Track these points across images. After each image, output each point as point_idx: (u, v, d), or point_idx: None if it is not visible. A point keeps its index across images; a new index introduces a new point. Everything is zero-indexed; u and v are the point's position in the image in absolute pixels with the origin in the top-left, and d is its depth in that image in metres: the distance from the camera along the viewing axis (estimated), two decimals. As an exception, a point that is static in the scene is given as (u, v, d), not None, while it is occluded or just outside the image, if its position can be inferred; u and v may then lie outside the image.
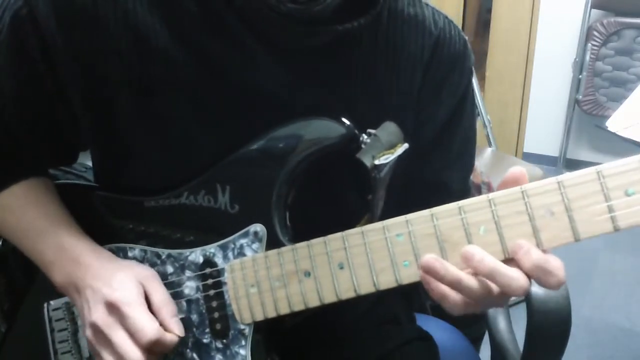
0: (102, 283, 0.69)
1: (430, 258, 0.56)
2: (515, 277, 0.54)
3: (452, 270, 0.56)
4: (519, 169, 0.56)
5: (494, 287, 0.55)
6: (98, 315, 0.68)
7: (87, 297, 0.70)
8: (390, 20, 0.73)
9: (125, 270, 0.71)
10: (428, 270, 0.56)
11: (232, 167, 0.70)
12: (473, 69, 0.80)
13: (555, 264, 0.54)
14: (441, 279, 0.56)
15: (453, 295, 0.56)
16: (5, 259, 0.86)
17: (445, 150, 0.80)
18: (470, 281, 0.55)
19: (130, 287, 0.69)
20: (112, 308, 0.67)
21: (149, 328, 0.66)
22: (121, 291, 0.68)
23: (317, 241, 0.65)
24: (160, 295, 0.70)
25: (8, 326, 0.85)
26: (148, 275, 0.71)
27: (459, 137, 0.81)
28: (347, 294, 0.63)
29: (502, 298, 0.57)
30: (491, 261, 0.55)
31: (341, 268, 0.63)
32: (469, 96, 0.80)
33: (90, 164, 0.82)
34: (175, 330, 0.69)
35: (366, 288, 0.62)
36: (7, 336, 0.85)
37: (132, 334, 0.67)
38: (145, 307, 0.68)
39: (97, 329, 0.68)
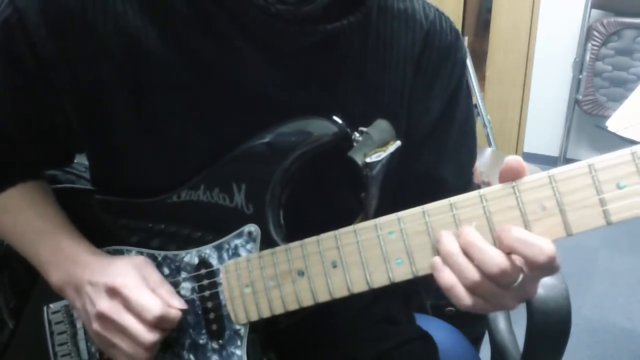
0: (100, 275, 0.70)
1: (444, 232, 0.58)
2: (492, 255, 0.54)
3: (451, 245, 0.56)
4: (515, 158, 0.55)
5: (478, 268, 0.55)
6: (103, 304, 0.69)
7: (89, 293, 0.70)
8: (380, 16, 0.73)
9: (121, 260, 0.73)
10: (436, 240, 0.58)
11: (223, 170, 0.70)
12: (468, 61, 0.80)
13: (539, 239, 0.53)
14: (440, 248, 0.57)
15: (447, 272, 0.57)
16: (8, 258, 0.86)
17: (440, 143, 0.79)
18: (462, 259, 0.56)
19: (128, 271, 0.70)
20: (114, 293, 0.68)
21: (152, 305, 0.68)
22: (120, 277, 0.69)
23: (310, 240, 0.64)
24: (155, 277, 0.72)
25: (16, 323, 0.85)
26: (142, 261, 0.73)
27: (454, 129, 0.80)
28: (341, 292, 0.63)
29: (501, 290, 0.56)
30: (474, 235, 0.56)
31: (334, 267, 0.63)
32: (463, 88, 0.79)
33: (90, 164, 0.83)
34: (177, 305, 0.70)
35: (359, 286, 0.62)
36: (14, 334, 0.85)
37: (137, 315, 0.68)
38: (145, 287, 0.69)
39: (104, 318, 0.69)
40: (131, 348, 0.68)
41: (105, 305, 0.69)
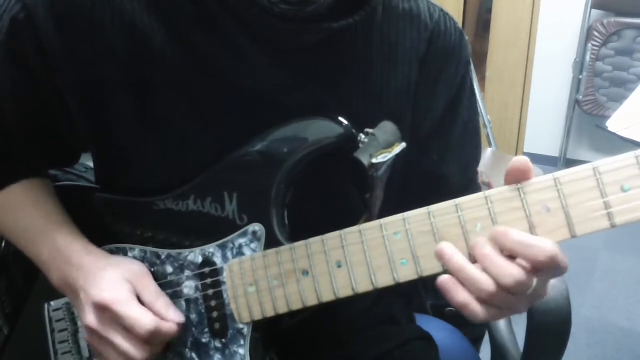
0: (90, 285, 0.69)
1: (444, 243, 0.57)
2: (507, 267, 0.54)
3: (458, 257, 0.56)
4: (522, 158, 0.55)
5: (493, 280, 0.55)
6: (90, 318, 0.68)
7: (81, 300, 0.70)
8: (385, 16, 0.73)
9: (113, 269, 0.71)
10: (439, 255, 0.57)
11: (230, 171, 0.70)
12: (471, 60, 0.79)
13: (538, 239, 0.53)
14: (446, 262, 0.57)
15: (461, 290, 0.56)
16: (5, 262, 0.86)
17: (442, 142, 0.80)
18: (473, 272, 0.55)
19: (118, 285, 0.69)
20: (103, 309, 0.68)
21: (143, 320, 0.67)
22: (109, 291, 0.68)
23: (315, 240, 0.65)
24: (151, 290, 0.71)
25: (10, 329, 0.85)
26: (137, 272, 0.72)
27: (457, 128, 0.80)
28: (345, 292, 0.63)
29: (516, 298, 0.56)
30: (461, 258, 0.56)
31: (339, 266, 0.63)
32: (467, 87, 0.79)
33: (91, 164, 0.83)
34: (175, 318, 0.69)
35: (364, 286, 0.62)
36: (9, 337, 0.85)
37: (129, 330, 0.67)
38: (135, 301, 0.69)
39: (92, 332, 0.69)
40: None
41: (92, 319, 0.68)
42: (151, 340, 0.68)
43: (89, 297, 0.69)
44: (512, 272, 0.54)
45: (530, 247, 0.53)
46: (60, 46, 0.68)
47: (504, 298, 0.55)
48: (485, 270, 0.55)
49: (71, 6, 0.67)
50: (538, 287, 0.56)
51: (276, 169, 0.68)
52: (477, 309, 0.56)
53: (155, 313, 0.69)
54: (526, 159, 0.55)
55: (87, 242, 0.76)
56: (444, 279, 0.57)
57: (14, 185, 0.79)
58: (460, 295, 0.56)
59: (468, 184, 0.84)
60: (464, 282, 0.56)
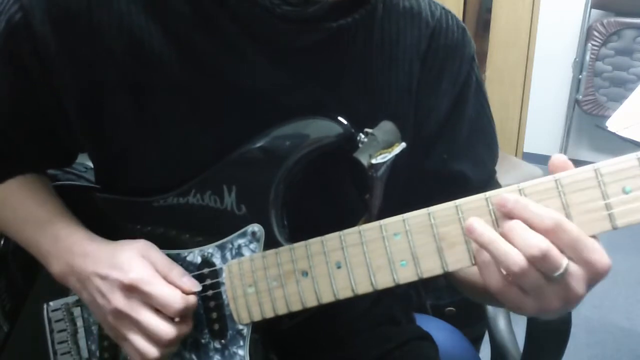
0: (109, 268, 0.69)
1: (473, 218, 0.55)
2: (531, 236, 0.51)
3: (490, 232, 0.53)
4: (561, 158, 0.54)
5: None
6: (118, 300, 0.68)
7: (98, 286, 0.69)
8: (386, 14, 0.73)
9: (125, 250, 0.71)
10: (468, 230, 0.55)
11: (230, 167, 0.70)
12: (475, 56, 0.79)
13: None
14: (477, 237, 0.54)
15: (492, 265, 0.54)
16: (5, 260, 0.86)
17: (450, 141, 0.78)
18: (505, 245, 0.52)
19: (140, 264, 0.69)
20: (131, 290, 0.67)
21: (174, 298, 0.67)
22: (134, 271, 0.68)
23: (314, 241, 0.64)
24: (163, 262, 0.70)
25: (10, 326, 0.85)
26: (145, 248, 0.71)
27: (463, 127, 0.78)
28: (345, 293, 0.63)
29: (546, 282, 0.53)
30: (492, 232, 0.54)
31: (339, 267, 0.63)
32: (472, 84, 0.78)
33: (91, 164, 0.83)
34: (193, 288, 0.69)
35: (363, 287, 0.62)
36: (8, 337, 0.85)
37: (160, 309, 0.67)
38: (162, 279, 0.69)
39: (120, 314, 0.68)
40: (143, 343, 0.68)
41: (121, 302, 0.68)
42: (181, 315, 0.68)
43: (111, 280, 0.68)
44: (537, 241, 0.51)
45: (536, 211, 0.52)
46: (58, 48, 0.67)
47: (534, 279, 0.52)
48: (511, 243, 0.52)
49: (68, 9, 0.66)
50: (571, 278, 0.52)
51: (276, 168, 0.68)
52: (511, 292, 0.54)
53: (171, 283, 0.69)
54: (564, 158, 0.54)
55: (87, 230, 0.75)
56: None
57: (10, 181, 0.79)
58: (494, 274, 0.54)
59: (489, 179, 0.82)
60: (495, 256, 0.53)
